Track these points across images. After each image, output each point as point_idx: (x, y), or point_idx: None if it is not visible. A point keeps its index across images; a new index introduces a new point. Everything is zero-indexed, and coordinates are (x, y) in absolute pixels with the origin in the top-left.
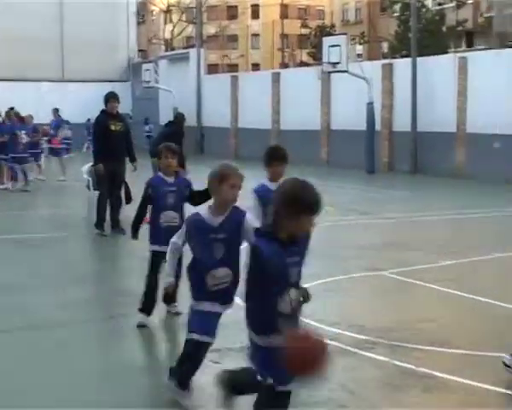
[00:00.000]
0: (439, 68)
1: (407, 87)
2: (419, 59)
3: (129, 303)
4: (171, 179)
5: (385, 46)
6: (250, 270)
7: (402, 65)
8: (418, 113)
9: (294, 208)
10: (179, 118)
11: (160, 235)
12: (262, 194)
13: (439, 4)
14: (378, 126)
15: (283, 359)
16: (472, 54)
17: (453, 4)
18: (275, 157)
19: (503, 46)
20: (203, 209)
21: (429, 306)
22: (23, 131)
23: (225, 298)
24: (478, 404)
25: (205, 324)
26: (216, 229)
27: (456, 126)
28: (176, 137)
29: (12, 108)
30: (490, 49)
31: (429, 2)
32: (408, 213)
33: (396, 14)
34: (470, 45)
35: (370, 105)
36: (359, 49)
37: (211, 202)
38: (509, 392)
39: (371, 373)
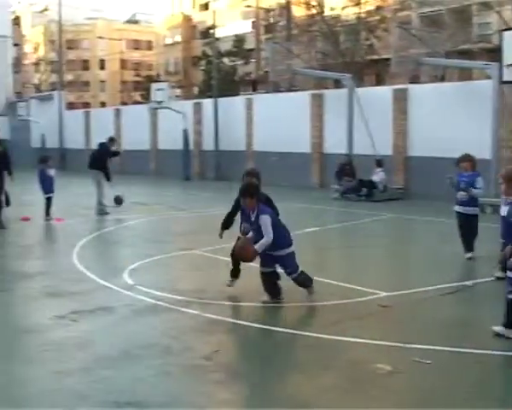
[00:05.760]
0: (233, 106)
1: (211, 119)
2: (219, 99)
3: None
4: None
5: (195, 90)
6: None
7: (207, 103)
8: (220, 137)
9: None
10: (106, 142)
11: None
12: None
13: (233, 61)
14: (191, 146)
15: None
16: (256, 96)
17: (242, 62)
18: None
19: (277, 91)
20: None
21: (227, 273)
22: None
23: None
24: (257, 339)
25: None
26: None
27: (246, 146)
28: (104, 154)
29: None
30: (267, 92)
31: (226, 59)
32: (210, 208)
33: (202, 68)
34: (254, 90)
35: (185, 131)
36: (178, 91)
37: None
38: (293, 331)
39: (188, 323)
